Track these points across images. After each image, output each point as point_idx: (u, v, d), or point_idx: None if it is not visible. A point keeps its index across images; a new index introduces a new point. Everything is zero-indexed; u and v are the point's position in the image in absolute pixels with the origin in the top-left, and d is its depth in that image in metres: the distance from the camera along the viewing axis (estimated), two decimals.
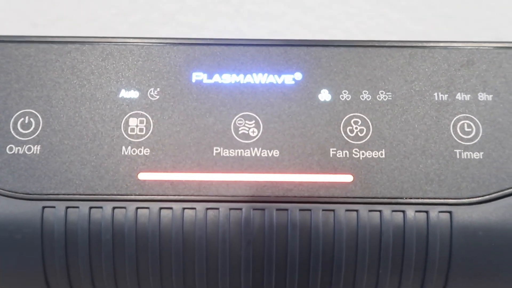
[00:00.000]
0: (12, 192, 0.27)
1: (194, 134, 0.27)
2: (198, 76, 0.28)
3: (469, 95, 0.28)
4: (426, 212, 0.27)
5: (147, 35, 0.32)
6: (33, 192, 0.27)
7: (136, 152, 0.27)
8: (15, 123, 0.28)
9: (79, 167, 0.27)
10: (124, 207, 0.27)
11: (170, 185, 0.27)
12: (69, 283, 0.27)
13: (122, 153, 0.27)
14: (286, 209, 0.27)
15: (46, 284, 0.27)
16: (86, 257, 0.27)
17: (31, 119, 0.28)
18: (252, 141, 0.28)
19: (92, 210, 0.27)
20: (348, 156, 0.27)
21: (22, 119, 0.28)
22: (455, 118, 0.28)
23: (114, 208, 0.27)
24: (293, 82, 0.28)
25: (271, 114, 0.28)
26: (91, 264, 0.27)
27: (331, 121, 0.28)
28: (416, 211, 0.27)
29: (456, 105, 0.28)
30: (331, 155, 0.27)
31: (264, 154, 0.27)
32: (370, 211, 0.27)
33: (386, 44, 0.29)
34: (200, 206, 0.27)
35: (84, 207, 0.27)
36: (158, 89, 0.28)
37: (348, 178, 0.27)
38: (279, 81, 0.28)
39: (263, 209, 0.27)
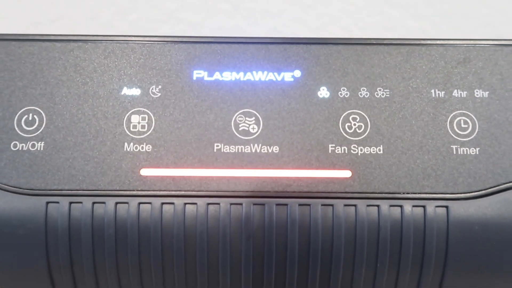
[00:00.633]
0: (16, 187, 0.27)
1: (195, 130, 0.28)
2: (199, 73, 0.29)
3: (465, 92, 0.29)
4: (423, 206, 0.27)
5: (147, 33, 0.33)
6: (37, 187, 0.27)
7: (138, 149, 0.28)
8: (19, 120, 0.28)
9: (82, 163, 0.27)
10: (127, 203, 0.27)
11: (172, 181, 0.27)
12: (73, 278, 0.28)
13: (125, 150, 0.28)
14: (286, 204, 0.27)
15: (50, 278, 0.27)
16: (89, 251, 0.27)
17: (35, 116, 0.28)
18: (252, 137, 0.28)
19: (95, 205, 0.27)
20: (346, 152, 0.28)
21: (26, 116, 0.28)
22: (451, 115, 0.28)
23: (116, 203, 0.27)
24: (292, 80, 0.29)
25: (271, 111, 0.28)
26: (94, 258, 0.27)
27: (330, 118, 0.28)
28: (413, 206, 0.27)
29: (453, 101, 0.29)
30: (330, 151, 0.28)
31: (264, 150, 0.28)
32: (368, 206, 0.27)
33: (384, 42, 0.29)
34: (201, 201, 0.27)
35: (87, 202, 0.27)
36: (160, 87, 0.29)
37: (346, 173, 0.27)
38: (279, 78, 0.29)
39: (263, 204, 0.27)
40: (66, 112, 0.28)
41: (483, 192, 0.27)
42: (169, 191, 0.27)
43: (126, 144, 0.28)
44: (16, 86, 0.28)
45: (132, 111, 0.28)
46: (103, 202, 0.27)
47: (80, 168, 0.27)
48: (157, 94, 0.29)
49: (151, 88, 0.29)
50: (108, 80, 0.29)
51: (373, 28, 0.50)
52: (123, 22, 0.51)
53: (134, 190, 0.27)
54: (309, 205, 0.27)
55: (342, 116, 0.28)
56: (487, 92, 0.29)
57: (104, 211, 0.27)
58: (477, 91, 0.29)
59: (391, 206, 0.27)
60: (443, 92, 0.29)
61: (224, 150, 0.28)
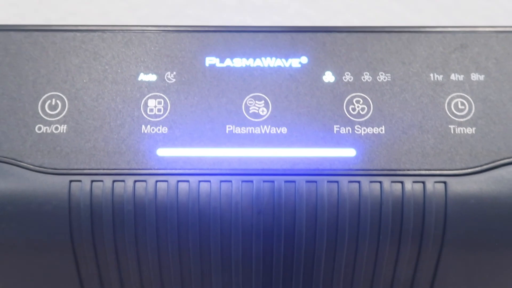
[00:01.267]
0: (41, 167, 0.29)
1: (208, 113, 0.30)
2: (211, 60, 0.31)
3: (462, 76, 0.30)
4: (423, 182, 0.29)
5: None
6: (60, 167, 0.29)
7: (155, 131, 0.29)
8: (43, 104, 0.30)
9: (103, 144, 0.29)
10: (145, 181, 0.29)
11: (187, 160, 0.29)
12: (95, 252, 0.29)
13: (142, 131, 0.29)
14: (294, 181, 0.29)
15: (73, 252, 0.29)
16: (110, 226, 0.29)
17: (58, 101, 0.30)
18: (262, 119, 0.30)
19: (115, 183, 0.29)
20: (351, 132, 0.29)
21: (49, 101, 0.30)
22: (449, 97, 0.30)
23: (135, 181, 0.29)
24: (299, 65, 0.31)
25: (279, 94, 0.30)
26: (114, 233, 0.29)
27: (335, 101, 0.30)
28: (414, 182, 0.29)
29: (451, 84, 0.30)
30: (335, 132, 0.29)
31: (273, 131, 0.30)
32: (371, 182, 0.29)
33: (385, 30, 0.31)
34: (214, 179, 0.29)
35: (107, 181, 0.29)
36: (175, 73, 0.30)
37: (351, 152, 0.29)
38: (286, 64, 0.31)
39: (272, 181, 0.29)
40: (86, 97, 0.30)
41: (479, 168, 0.29)
42: (184, 169, 0.29)
43: (143, 126, 0.30)
44: (39, 73, 0.30)
45: (148, 95, 0.30)
46: (123, 181, 0.29)
47: (100, 149, 0.29)
48: (172, 80, 0.30)
49: (166, 74, 0.30)
50: (126, 67, 0.30)
51: (374, 22, 0.52)
52: (133, 18, 0.53)
53: (151, 169, 0.29)
54: (315, 182, 0.29)
55: (346, 99, 0.30)
56: (482, 76, 0.30)
57: (124, 189, 0.29)
58: (473, 75, 0.30)
59: (392, 182, 0.29)
60: (441, 76, 0.30)
61: (236, 131, 0.30)
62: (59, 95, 0.30)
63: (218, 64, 0.30)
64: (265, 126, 0.30)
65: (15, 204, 0.28)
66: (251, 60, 0.31)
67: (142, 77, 0.30)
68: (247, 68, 0.30)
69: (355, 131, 0.29)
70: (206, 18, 0.52)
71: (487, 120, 0.30)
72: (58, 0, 0.53)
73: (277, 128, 0.30)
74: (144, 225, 0.29)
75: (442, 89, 0.30)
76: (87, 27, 0.31)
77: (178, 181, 0.29)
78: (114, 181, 0.29)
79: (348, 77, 0.30)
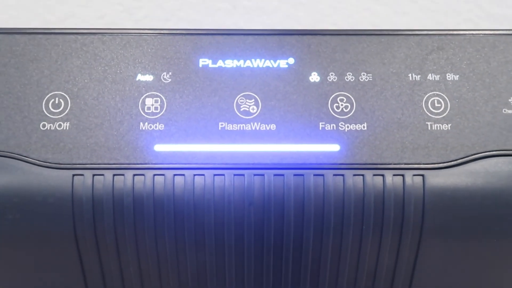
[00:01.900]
0: (46, 162, 0.31)
1: (201, 111, 0.32)
2: (204, 61, 0.33)
3: (438, 76, 0.33)
4: (402, 175, 0.31)
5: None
6: (64, 162, 0.31)
7: (152, 127, 0.31)
8: (47, 103, 0.32)
9: (103, 140, 0.31)
10: (143, 175, 0.31)
11: (182, 155, 0.31)
12: (96, 242, 0.31)
13: (140, 128, 0.31)
14: (282, 175, 0.31)
15: (75, 242, 0.31)
16: (110, 218, 0.31)
17: (61, 100, 0.32)
18: (252, 116, 0.32)
19: (115, 177, 0.31)
20: (335, 128, 0.32)
21: (53, 100, 0.32)
22: (426, 95, 0.32)
23: (134, 175, 0.31)
24: (286, 66, 0.33)
25: (268, 93, 0.32)
26: (115, 224, 0.31)
27: (320, 99, 0.32)
28: (394, 175, 0.31)
29: (428, 84, 0.32)
30: (320, 128, 0.32)
31: (262, 128, 0.32)
32: (354, 175, 0.31)
33: (367, 33, 0.33)
34: (208, 173, 0.31)
35: (108, 175, 0.31)
36: (170, 73, 0.32)
37: (335, 147, 0.31)
38: (275, 65, 0.33)
39: (262, 175, 0.31)
40: (88, 96, 0.32)
41: (454, 162, 0.31)
42: (180, 164, 0.31)
43: (141, 123, 0.31)
44: (43, 73, 0.32)
45: (146, 94, 0.32)
46: (122, 175, 0.31)
47: (101, 145, 0.31)
48: (168, 80, 0.32)
49: (162, 75, 0.32)
50: (124, 68, 0.32)
51: (361, 24, 0.54)
52: (129, 21, 0.55)
53: (149, 164, 0.31)
54: (302, 175, 0.31)
55: (331, 98, 0.32)
56: (457, 76, 0.33)
57: (123, 182, 0.31)
58: (448, 75, 0.33)
59: (374, 175, 0.31)
60: (419, 76, 0.33)
61: (228, 128, 0.32)
62: (62, 94, 0.32)
63: (211, 65, 0.32)
64: (255, 123, 0.32)
65: (20, 197, 0.30)
66: (241, 61, 0.33)
67: (140, 77, 0.32)
68: (238, 69, 0.32)
69: (339, 128, 0.32)
70: (199, 21, 0.54)
71: (461, 117, 0.32)
72: (56, 3, 0.55)
73: (266, 125, 0.32)
74: (142, 216, 0.31)
75: (420, 88, 0.32)
76: (87, 30, 0.33)
77: (174, 175, 0.31)
78: (114, 175, 0.31)
79: (332, 77, 0.32)
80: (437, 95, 0.32)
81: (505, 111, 0.32)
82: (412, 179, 0.31)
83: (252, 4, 0.55)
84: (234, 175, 0.31)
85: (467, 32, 0.33)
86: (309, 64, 0.33)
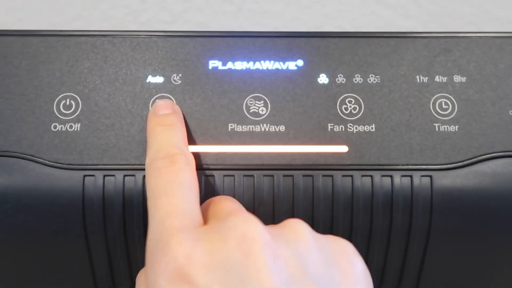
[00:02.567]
0: (57, 163, 0.31)
1: (211, 112, 0.32)
2: (214, 63, 0.33)
3: (446, 78, 0.33)
4: (410, 176, 0.31)
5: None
6: (75, 163, 0.31)
7: None
8: (58, 104, 0.32)
9: (114, 141, 0.31)
10: None
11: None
12: (106, 241, 0.31)
13: None
14: (292, 175, 0.31)
15: (85, 241, 0.31)
16: (120, 218, 0.31)
17: (72, 101, 0.32)
18: (261, 118, 0.32)
19: (126, 178, 0.31)
20: (343, 130, 0.32)
21: (64, 101, 0.32)
22: (434, 97, 0.33)
23: (144, 176, 0.31)
24: (295, 68, 0.33)
25: (278, 95, 0.32)
26: (124, 224, 0.31)
27: (329, 101, 0.32)
28: (402, 176, 0.31)
29: (435, 86, 0.33)
30: (329, 129, 0.32)
31: (272, 129, 0.32)
32: (363, 176, 0.31)
33: (375, 35, 0.34)
34: (218, 174, 0.31)
35: (119, 175, 0.31)
36: (180, 75, 0.33)
37: (344, 148, 0.32)
38: (284, 67, 0.33)
39: (272, 176, 0.31)
40: (98, 98, 0.32)
41: (462, 163, 0.31)
42: None
43: None
44: (54, 75, 0.33)
45: (156, 96, 0.32)
46: (133, 175, 0.31)
47: (112, 146, 0.31)
48: (178, 82, 0.33)
49: (172, 76, 0.33)
50: (135, 70, 0.33)
51: (366, 27, 0.55)
52: (134, 23, 0.55)
53: None
54: (311, 176, 0.31)
55: (340, 99, 0.32)
56: (464, 78, 0.33)
57: (134, 183, 0.31)
58: (456, 77, 0.33)
59: (382, 176, 0.31)
60: (426, 78, 0.33)
61: (237, 129, 0.32)
62: (73, 96, 0.32)
63: (221, 67, 0.33)
64: (265, 125, 0.32)
65: (32, 197, 0.31)
66: (251, 63, 0.33)
67: (150, 79, 0.33)
68: (248, 71, 0.33)
69: (348, 129, 0.32)
70: (205, 24, 0.54)
71: (468, 119, 0.32)
72: (62, 5, 0.55)
73: (275, 126, 0.32)
74: None
75: (427, 90, 0.33)
76: (98, 33, 0.33)
77: None
78: (125, 175, 0.31)
79: (340, 79, 0.33)
80: (445, 97, 0.32)
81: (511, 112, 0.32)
82: (420, 180, 0.31)
83: (257, 7, 0.56)
84: (244, 175, 0.31)
85: (474, 35, 0.34)
86: (318, 66, 0.33)
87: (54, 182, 0.31)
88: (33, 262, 0.32)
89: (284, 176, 0.31)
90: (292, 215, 0.31)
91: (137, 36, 0.33)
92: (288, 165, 0.31)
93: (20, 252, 0.32)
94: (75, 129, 0.32)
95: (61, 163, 0.31)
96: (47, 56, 0.33)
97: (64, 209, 0.31)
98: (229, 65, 0.33)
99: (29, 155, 0.31)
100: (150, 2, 0.55)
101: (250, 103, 0.32)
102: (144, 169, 0.31)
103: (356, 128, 0.32)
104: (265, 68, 0.33)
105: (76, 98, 0.32)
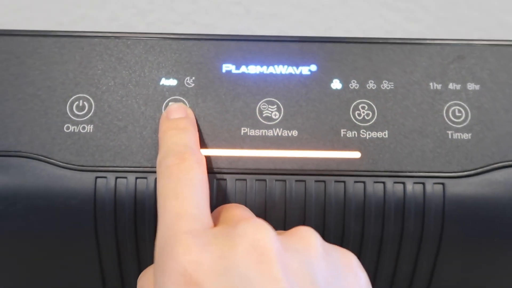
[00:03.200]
0: (69, 164, 0.31)
1: (224, 116, 0.32)
2: (227, 67, 0.33)
3: (459, 85, 0.33)
4: (423, 183, 0.31)
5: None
6: (87, 164, 0.31)
7: None
8: (71, 105, 0.32)
9: (127, 143, 0.31)
10: None
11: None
12: (116, 243, 0.31)
13: None
14: (304, 181, 0.31)
15: (96, 243, 0.31)
16: (131, 221, 0.31)
17: (85, 102, 0.32)
18: (274, 122, 0.32)
19: (138, 180, 0.31)
20: (356, 136, 0.32)
21: (77, 102, 0.32)
22: (447, 104, 0.33)
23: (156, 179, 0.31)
24: (309, 73, 0.33)
25: (291, 100, 0.32)
26: (136, 227, 0.31)
27: (342, 106, 0.32)
28: (414, 183, 0.31)
29: (448, 93, 0.33)
30: (342, 135, 0.32)
31: (284, 133, 0.32)
32: (375, 182, 0.31)
33: (389, 41, 0.34)
34: (230, 178, 0.31)
35: (131, 178, 0.31)
36: (193, 78, 0.33)
37: (356, 154, 0.32)
38: (297, 71, 0.33)
39: (284, 180, 0.31)
40: (112, 99, 0.32)
41: (475, 171, 0.31)
42: None
43: None
44: (67, 76, 0.32)
45: (169, 98, 0.32)
46: (145, 178, 0.31)
47: (125, 148, 0.31)
48: (191, 85, 0.33)
49: (186, 79, 0.33)
50: (148, 72, 0.33)
51: (374, 31, 0.55)
52: (141, 24, 0.55)
53: None
54: (323, 181, 0.31)
55: (353, 105, 0.32)
56: (478, 85, 0.33)
57: (146, 185, 0.31)
58: (469, 84, 0.33)
59: (395, 183, 0.31)
60: (440, 85, 0.33)
61: (250, 134, 0.32)
62: (86, 97, 0.32)
63: (234, 71, 0.33)
64: (277, 129, 0.32)
65: (44, 198, 0.31)
66: (264, 67, 0.33)
67: (164, 81, 0.32)
68: (261, 75, 0.33)
69: (361, 135, 0.32)
70: (212, 25, 0.54)
71: (482, 127, 0.32)
72: (69, 5, 0.55)
73: (288, 131, 0.32)
74: None
75: (441, 97, 0.33)
76: (111, 34, 0.33)
77: None
78: (137, 178, 0.31)
79: (354, 84, 0.33)
80: (458, 104, 0.32)
81: None
82: (432, 188, 0.31)
83: (265, 9, 0.56)
84: (256, 180, 0.31)
85: (488, 42, 0.34)
86: (331, 71, 0.33)
87: (66, 183, 0.31)
88: (43, 263, 0.32)
89: (296, 181, 0.31)
90: (304, 220, 0.31)
91: (151, 38, 0.33)
92: (301, 170, 0.31)
93: (30, 252, 0.32)
94: (88, 131, 0.31)
95: (73, 164, 0.31)
96: (60, 57, 0.33)
97: (76, 211, 0.31)
98: (243, 69, 0.33)
99: (41, 156, 0.31)
100: (158, 2, 0.55)
101: (263, 107, 0.32)
102: (156, 172, 0.31)
103: (369, 134, 0.32)
104: (278, 72, 0.33)
105: (89, 100, 0.32)
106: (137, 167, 0.31)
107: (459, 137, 0.32)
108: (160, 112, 0.32)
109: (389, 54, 0.33)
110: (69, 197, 0.31)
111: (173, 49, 0.33)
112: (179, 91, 0.32)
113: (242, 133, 0.32)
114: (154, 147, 0.31)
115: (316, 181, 0.31)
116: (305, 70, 0.33)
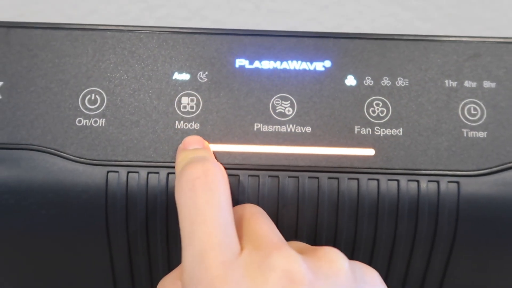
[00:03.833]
0: (81, 158, 0.31)
1: (237, 111, 0.32)
2: (241, 62, 0.33)
3: (475, 83, 0.33)
4: (437, 182, 0.31)
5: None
6: (99, 158, 0.31)
7: (187, 126, 0.31)
8: (83, 99, 0.32)
9: (139, 138, 0.31)
10: None
11: (217, 155, 0.31)
12: (127, 238, 0.31)
13: (176, 127, 0.31)
14: (317, 177, 0.31)
15: (107, 237, 0.31)
16: (143, 216, 0.31)
17: (97, 96, 0.32)
18: (287, 118, 0.32)
19: (150, 175, 0.31)
20: (370, 133, 0.32)
21: (89, 96, 0.32)
22: (463, 102, 0.32)
23: (168, 174, 0.31)
24: (323, 69, 0.33)
25: (304, 95, 0.32)
26: (147, 221, 0.31)
27: (356, 103, 0.32)
28: (429, 181, 0.31)
29: (464, 91, 0.32)
30: (356, 132, 0.31)
31: (298, 130, 0.32)
32: (389, 180, 0.31)
33: (404, 38, 0.33)
34: (242, 173, 0.31)
35: (143, 172, 0.31)
36: (207, 73, 0.32)
37: (370, 152, 0.31)
38: (311, 67, 0.33)
39: (297, 177, 0.31)
40: (124, 93, 0.32)
41: (490, 170, 0.31)
42: None
43: (177, 122, 0.31)
44: (80, 69, 0.32)
45: (182, 93, 0.32)
46: (157, 172, 0.31)
47: (137, 142, 0.31)
48: (204, 79, 0.32)
49: (199, 74, 0.32)
50: (161, 66, 0.32)
51: (384, 28, 0.54)
52: (151, 18, 0.55)
53: None
54: (337, 178, 0.31)
55: (367, 102, 0.32)
56: (494, 83, 0.33)
57: (158, 180, 0.31)
58: (485, 82, 0.33)
59: (409, 181, 0.31)
60: (455, 83, 0.32)
61: (263, 129, 0.31)
62: (98, 91, 0.32)
63: (248, 66, 0.32)
64: (291, 125, 0.32)
65: (55, 192, 0.30)
66: (278, 62, 0.33)
67: (176, 76, 0.32)
68: (275, 70, 0.32)
69: (375, 132, 0.31)
70: (222, 21, 0.54)
71: (498, 125, 0.32)
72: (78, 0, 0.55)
73: (301, 127, 0.32)
74: (175, 215, 0.30)
75: (456, 95, 0.32)
76: (124, 28, 0.33)
77: None
78: (149, 172, 0.31)
79: (368, 81, 0.32)
80: (474, 102, 0.32)
81: None
82: (447, 186, 0.31)
83: (276, 6, 0.55)
84: (269, 176, 0.31)
85: (503, 40, 0.33)
86: (345, 68, 0.33)
87: (77, 177, 0.31)
88: (54, 259, 0.32)
89: (309, 177, 0.31)
90: (316, 218, 0.31)
91: (164, 32, 0.33)
92: (314, 167, 0.31)
93: (41, 247, 0.32)
94: (100, 124, 0.31)
95: (85, 158, 0.31)
96: (72, 50, 0.32)
97: (87, 205, 0.30)
98: (256, 64, 0.33)
99: (53, 149, 0.31)
100: None
101: (276, 103, 0.32)
102: (168, 167, 0.31)
103: (383, 131, 0.32)
104: (292, 68, 0.33)
105: (102, 93, 0.32)
106: (149, 162, 0.31)
107: (474, 136, 0.32)
108: (173, 106, 0.32)
109: (404, 51, 0.33)
110: (80, 191, 0.30)
111: (186, 43, 0.33)
112: (191, 86, 0.32)
113: (255, 129, 0.31)
114: (166, 141, 0.31)
115: (329, 178, 0.31)
116: (319, 66, 0.33)
